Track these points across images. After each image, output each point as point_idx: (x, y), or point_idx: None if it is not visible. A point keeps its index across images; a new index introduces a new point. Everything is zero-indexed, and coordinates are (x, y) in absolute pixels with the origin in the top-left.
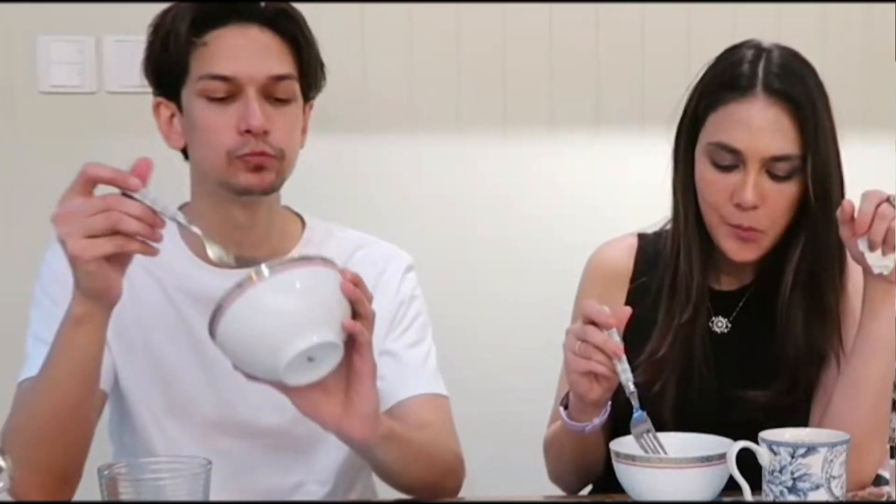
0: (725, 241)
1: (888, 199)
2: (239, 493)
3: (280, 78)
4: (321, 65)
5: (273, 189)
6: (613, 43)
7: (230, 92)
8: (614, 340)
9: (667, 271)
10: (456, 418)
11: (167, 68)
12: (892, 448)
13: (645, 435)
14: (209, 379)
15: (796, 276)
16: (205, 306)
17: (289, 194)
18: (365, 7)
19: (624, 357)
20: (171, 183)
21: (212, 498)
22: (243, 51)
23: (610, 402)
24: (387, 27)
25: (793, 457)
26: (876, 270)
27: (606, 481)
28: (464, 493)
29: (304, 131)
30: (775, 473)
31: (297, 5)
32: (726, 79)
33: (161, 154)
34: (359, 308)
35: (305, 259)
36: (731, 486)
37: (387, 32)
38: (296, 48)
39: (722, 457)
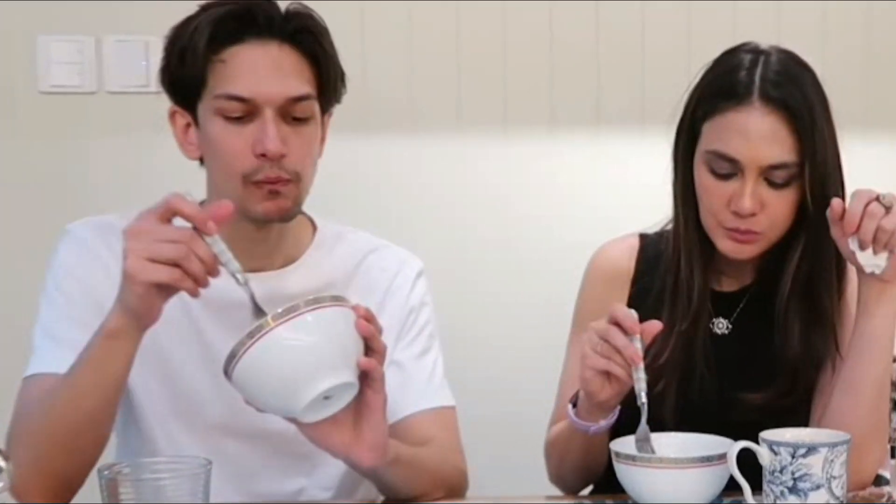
0: (723, 242)
1: (877, 198)
2: (241, 496)
3: (298, 99)
4: (342, 76)
5: (290, 216)
6: (613, 43)
7: (247, 112)
8: (635, 346)
9: (668, 275)
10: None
11: (184, 82)
12: (892, 448)
13: (644, 445)
14: (217, 382)
15: (794, 280)
16: (216, 309)
17: None
18: (365, 7)
19: (642, 365)
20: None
21: (215, 501)
22: (262, 70)
23: (619, 407)
24: (387, 27)
25: (793, 457)
26: (868, 269)
27: (607, 482)
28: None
29: (322, 140)
30: (776, 473)
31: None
32: (723, 86)
33: (161, 154)
34: (372, 343)
35: (318, 301)
36: (732, 486)
37: (387, 32)
38: (315, 65)
39: (722, 457)
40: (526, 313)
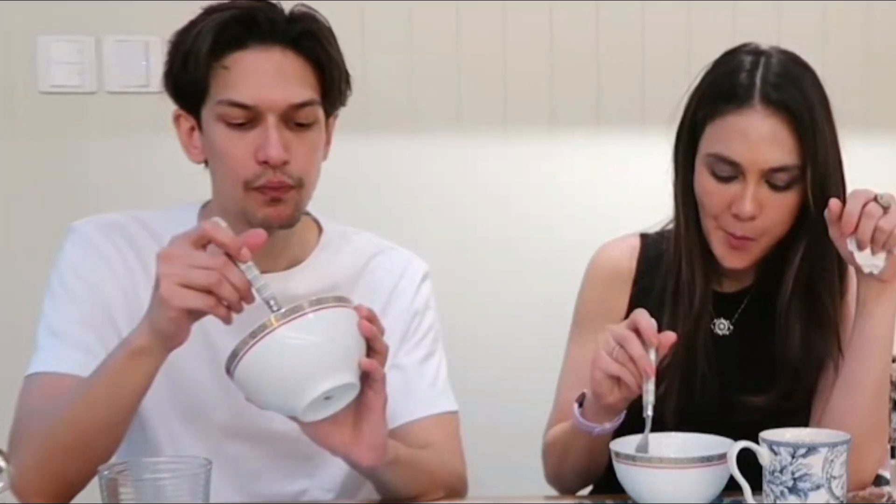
0: (718, 247)
1: (875, 198)
2: (243, 497)
3: (301, 105)
4: (347, 79)
5: (292, 222)
6: (613, 43)
7: (249, 118)
8: (650, 359)
9: (669, 276)
10: None
11: (187, 87)
12: (892, 448)
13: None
14: (222, 383)
15: (796, 281)
16: None
17: None
18: (365, 7)
19: (653, 379)
20: (172, 183)
21: (217, 502)
22: (264, 76)
23: (625, 412)
24: (387, 27)
25: (793, 457)
26: (866, 270)
27: (607, 482)
28: None
29: (327, 143)
30: (776, 473)
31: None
32: (724, 88)
33: (161, 154)
34: (374, 344)
35: (321, 301)
36: (732, 486)
37: (387, 32)
38: (319, 69)
39: (722, 457)
40: (526, 313)
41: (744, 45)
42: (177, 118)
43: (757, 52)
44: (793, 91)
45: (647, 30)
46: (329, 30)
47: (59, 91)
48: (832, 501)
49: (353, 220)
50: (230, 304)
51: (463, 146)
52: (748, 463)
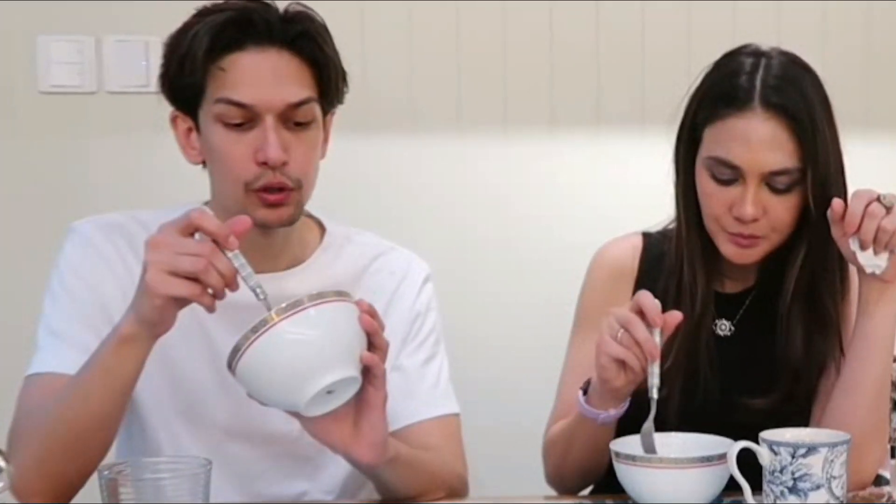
0: (725, 247)
1: (878, 198)
2: (243, 498)
3: (298, 104)
4: (343, 77)
5: (291, 221)
6: (613, 43)
7: (247, 118)
8: (654, 342)
9: (671, 277)
10: None
11: (184, 89)
12: (892, 448)
13: (648, 439)
14: (223, 383)
15: (797, 282)
16: (222, 310)
17: None
18: (365, 7)
19: (658, 361)
20: (172, 183)
21: (216, 502)
22: (261, 76)
23: (630, 398)
24: (387, 27)
25: (793, 457)
26: (868, 269)
27: (607, 482)
28: None
29: (325, 141)
30: (776, 473)
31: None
32: (724, 91)
33: (161, 154)
34: (374, 339)
35: (321, 296)
36: (732, 486)
37: (387, 32)
38: (316, 68)
39: (722, 457)
40: (526, 313)
41: (744, 47)
42: (174, 119)
43: (757, 54)
44: (793, 93)
45: (647, 30)
46: (324, 27)
47: (59, 91)
48: (832, 501)
49: (353, 220)
50: (215, 291)
51: (463, 146)
52: (748, 463)
